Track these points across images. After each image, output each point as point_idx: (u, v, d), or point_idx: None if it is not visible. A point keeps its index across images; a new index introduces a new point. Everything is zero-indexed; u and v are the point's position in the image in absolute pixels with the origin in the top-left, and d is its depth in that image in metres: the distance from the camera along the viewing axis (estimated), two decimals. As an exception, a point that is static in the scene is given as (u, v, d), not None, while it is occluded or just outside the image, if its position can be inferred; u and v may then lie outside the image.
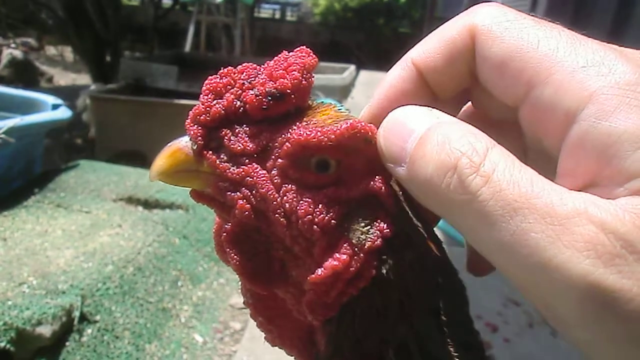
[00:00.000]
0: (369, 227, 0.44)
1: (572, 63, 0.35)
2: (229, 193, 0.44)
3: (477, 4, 0.43)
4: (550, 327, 2.75)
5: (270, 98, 0.43)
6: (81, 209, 3.55)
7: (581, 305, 0.31)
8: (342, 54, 13.30)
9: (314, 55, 0.47)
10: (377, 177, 0.44)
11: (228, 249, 0.46)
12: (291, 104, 0.44)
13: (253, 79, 0.45)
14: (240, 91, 0.44)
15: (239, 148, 0.44)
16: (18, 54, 9.71)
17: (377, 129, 0.44)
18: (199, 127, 0.44)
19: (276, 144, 0.44)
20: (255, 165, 0.44)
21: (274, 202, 0.43)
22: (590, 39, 0.37)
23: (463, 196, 0.34)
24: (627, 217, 0.30)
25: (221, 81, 0.45)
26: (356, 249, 0.43)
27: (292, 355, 0.53)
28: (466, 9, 0.43)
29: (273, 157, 0.44)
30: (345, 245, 0.43)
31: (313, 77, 0.46)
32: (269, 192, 0.43)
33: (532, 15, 0.41)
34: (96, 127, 6.21)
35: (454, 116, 0.41)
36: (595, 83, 0.34)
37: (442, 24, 0.45)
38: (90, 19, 7.82)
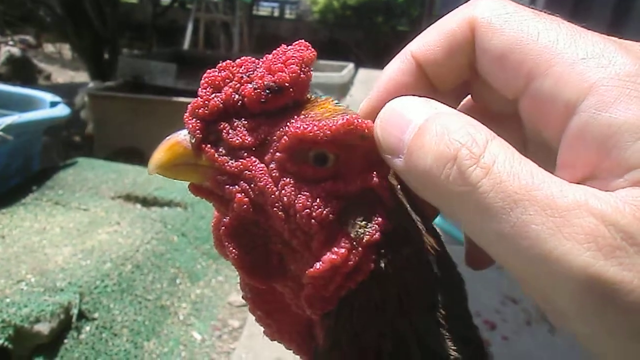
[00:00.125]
0: (367, 221, 0.43)
1: (572, 55, 0.35)
2: (228, 186, 0.44)
3: None
4: (549, 323, 2.76)
5: (268, 91, 0.43)
6: (79, 207, 3.54)
7: (581, 297, 0.31)
8: (341, 52, 13.27)
9: (312, 49, 0.46)
10: (374, 171, 0.44)
11: (226, 243, 0.46)
12: (289, 98, 0.44)
13: (251, 72, 0.45)
14: (238, 84, 0.44)
15: (237, 141, 0.44)
16: (16, 51, 9.67)
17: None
18: (198, 121, 0.44)
19: (274, 137, 0.44)
20: (254, 159, 0.44)
21: (272, 196, 0.43)
22: (590, 32, 0.37)
23: (463, 187, 0.34)
24: (627, 209, 0.30)
25: (220, 75, 0.45)
26: (354, 243, 0.43)
27: (290, 349, 0.53)
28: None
29: (271, 150, 0.44)
30: (343, 239, 0.43)
31: (311, 70, 0.46)
32: (267, 186, 0.43)
33: (532, 8, 0.40)
34: (94, 125, 6.19)
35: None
36: (595, 74, 0.34)
37: None
38: (89, 17, 7.79)
